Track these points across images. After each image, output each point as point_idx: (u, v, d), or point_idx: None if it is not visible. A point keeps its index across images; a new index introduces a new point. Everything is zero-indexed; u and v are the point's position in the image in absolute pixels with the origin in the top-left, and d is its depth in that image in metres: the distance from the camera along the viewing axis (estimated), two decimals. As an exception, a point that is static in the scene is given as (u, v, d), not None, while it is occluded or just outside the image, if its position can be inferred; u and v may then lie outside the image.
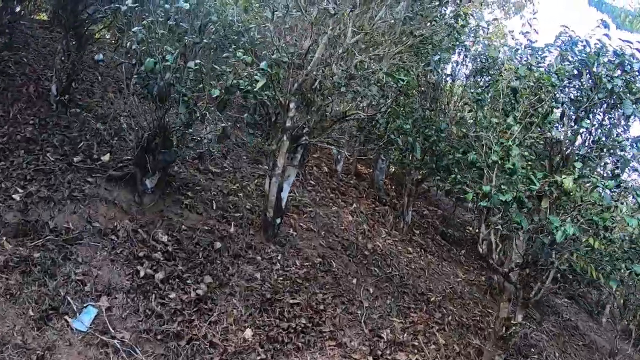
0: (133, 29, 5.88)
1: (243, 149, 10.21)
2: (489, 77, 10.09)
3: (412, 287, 8.83)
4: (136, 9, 6.23)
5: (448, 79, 11.28)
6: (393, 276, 8.77)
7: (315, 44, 7.19)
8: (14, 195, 6.08)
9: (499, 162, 6.21)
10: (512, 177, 5.67)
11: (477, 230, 13.61)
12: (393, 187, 13.41)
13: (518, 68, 6.92)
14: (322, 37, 7.14)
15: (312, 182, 10.62)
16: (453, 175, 9.45)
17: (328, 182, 11.19)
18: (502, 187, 6.03)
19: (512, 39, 11.23)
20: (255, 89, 6.07)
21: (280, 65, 6.37)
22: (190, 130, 6.61)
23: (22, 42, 9.87)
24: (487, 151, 6.66)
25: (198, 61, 5.99)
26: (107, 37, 12.30)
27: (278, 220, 7.63)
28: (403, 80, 6.63)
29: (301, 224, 8.64)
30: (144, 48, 6.02)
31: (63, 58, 8.12)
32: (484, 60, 10.29)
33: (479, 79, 10.29)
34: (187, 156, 7.11)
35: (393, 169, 14.17)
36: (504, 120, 6.57)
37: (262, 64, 6.10)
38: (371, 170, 13.22)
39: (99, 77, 10.07)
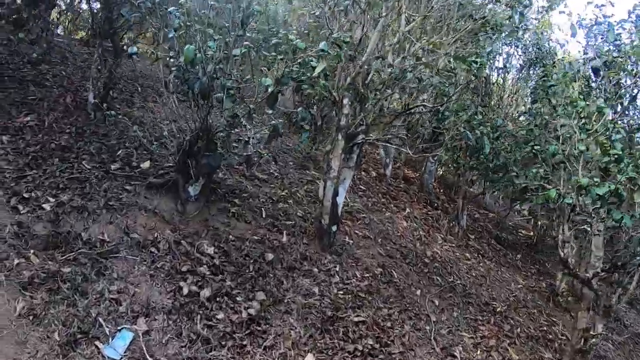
0: (169, 9, 4.85)
1: (289, 154, 9.19)
2: (543, 68, 8.96)
3: (475, 296, 7.72)
4: None
5: (496, 72, 10.09)
6: (456, 285, 7.68)
7: (367, 33, 6.14)
8: (44, 205, 5.16)
9: (586, 151, 5.08)
10: (620, 164, 4.47)
11: (532, 233, 12.46)
12: (442, 190, 12.22)
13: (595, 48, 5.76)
14: (374, 25, 6.10)
15: (362, 187, 9.54)
16: (514, 174, 8.35)
17: (378, 186, 10.09)
18: (595, 179, 4.87)
19: (559, 28, 10.03)
20: (313, 75, 4.99)
21: (342, 48, 5.20)
22: (237, 130, 5.59)
23: (60, 57, 9.16)
24: (566, 141, 5.55)
25: (244, 49, 4.92)
26: (144, 46, 11.64)
27: (334, 228, 6.58)
28: (476, 63, 5.45)
29: (356, 231, 7.57)
30: (182, 32, 5.01)
31: (100, 67, 7.29)
32: (537, 50, 9.12)
33: (531, 71, 9.15)
34: (233, 160, 6.07)
35: (441, 172, 13.00)
36: (586, 105, 5.41)
37: (322, 44, 4.99)
38: (418, 174, 12.10)
39: (139, 88, 9.25)
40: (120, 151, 6.49)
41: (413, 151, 6.67)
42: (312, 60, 5.07)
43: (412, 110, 6.62)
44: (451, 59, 5.76)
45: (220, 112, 5.65)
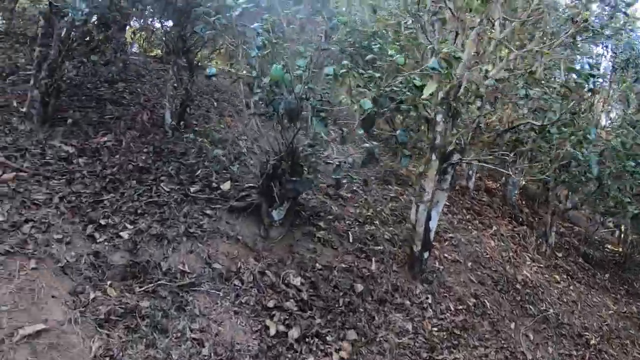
0: (252, 26, 4.22)
1: (369, 168, 8.49)
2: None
3: (568, 326, 6.92)
4: (253, 9, 4.63)
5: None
6: (548, 314, 6.82)
7: (458, 41, 5.40)
8: (121, 233, 4.69)
9: None
10: None
11: (619, 249, 11.31)
12: (524, 202, 11.23)
13: None
14: (465, 33, 5.36)
15: (446, 202, 8.74)
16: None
17: (461, 201, 9.28)
18: None
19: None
20: (423, 97, 4.29)
21: (453, 63, 4.43)
22: (326, 153, 4.96)
23: (136, 74, 8.86)
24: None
25: (343, 68, 4.24)
26: (217, 62, 11.30)
27: (426, 255, 5.89)
28: (593, 77, 4.60)
29: (446, 255, 6.83)
30: (266, 53, 4.41)
31: (175, 84, 6.87)
32: (630, 51, 8.10)
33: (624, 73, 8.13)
34: (321, 184, 5.46)
35: (523, 182, 12.00)
36: None
37: (432, 61, 4.21)
38: (499, 185, 11.17)
39: (215, 103, 8.83)
40: (199, 171, 6.01)
41: (513, 171, 5.85)
42: (414, 79, 4.36)
43: (517, 128, 5.80)
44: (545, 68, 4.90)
45: (306, 133, 5.05)
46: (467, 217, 8.62)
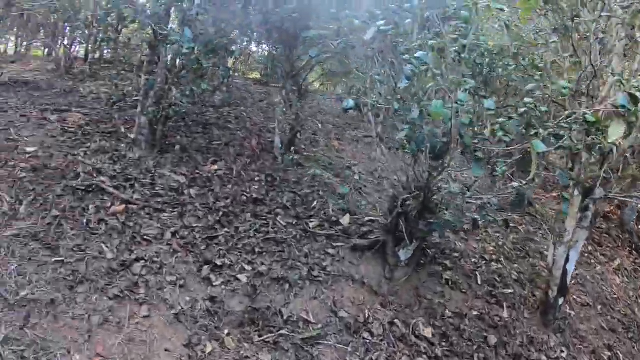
0: (415, 55, 3.37)
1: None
2: None
3: None
4: (390, 32, 3.86)
5: None
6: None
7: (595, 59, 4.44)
8: (239, 276, 4.09)
9: None
10: None
11: None
12: (640, 226, 9.80)
13: None
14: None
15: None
16: None
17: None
18: None
19: None
20: (609, 141, 3.41)
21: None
22: (469, 193, 4.17)
23: (239, 98, 8.45)
24: None
25: (526, 106, 3.41)
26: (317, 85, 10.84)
27: (560, 301, 4.96)
28: None
29: (574, 297, 5.82)
30: (414, 87, 3.61)
31: (284, 109, 6.32)
32: None
33: None
34: (459, 224, 4.66)
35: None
36: None
37: (620, 98, 3.17)
38: (612, 207, 9.77)
39: (319, 125, 8.22)
40: (315, 202, 5.37)
41: None
42: (586, 114, 3.46)
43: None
44: None
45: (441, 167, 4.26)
46: (589, 248, 7.45)
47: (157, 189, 4.89)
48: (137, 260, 3.99)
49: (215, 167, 5.49)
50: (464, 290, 5.02)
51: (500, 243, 6.31)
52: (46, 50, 10.47)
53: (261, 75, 10.81)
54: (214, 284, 3.97)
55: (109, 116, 6.34)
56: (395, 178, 4.68)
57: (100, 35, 7.78)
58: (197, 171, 5.34)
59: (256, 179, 5.51)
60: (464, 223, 4.80)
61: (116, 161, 5.25)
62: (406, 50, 3.47)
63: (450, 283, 5.00)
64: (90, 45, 8.90)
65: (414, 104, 3.49)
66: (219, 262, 4.14)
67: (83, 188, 4.62)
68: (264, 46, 10.53)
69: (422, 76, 3.37)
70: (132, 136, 5.67)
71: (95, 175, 4.87)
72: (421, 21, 3.65)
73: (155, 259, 4.03)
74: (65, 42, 8.87)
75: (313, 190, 5.59)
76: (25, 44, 10.70)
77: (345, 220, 5.12)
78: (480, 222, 4.67)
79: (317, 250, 4.62)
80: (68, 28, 8.58)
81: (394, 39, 3.69)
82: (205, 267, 4.07)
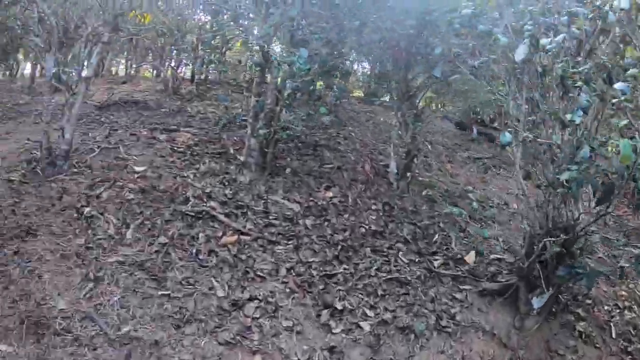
0: (615, 85, 2.72)
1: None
2: None
3: None
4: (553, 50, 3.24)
5: None
6: None
7: None
8: (361, 323, 3.62)
9: None
10: None
11: None
12: None
13: None
14: None
15: None
16: None
17: None
18: None
19: None
20: None
21: None
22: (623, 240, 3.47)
23: (346, 118, 8.02)
24: None
25: None
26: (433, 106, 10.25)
27: None
28: None
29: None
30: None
31: (400, 131, 5.83)
32: None
33: None
34: (605, 271, 3.95)
35: None
36: None
37: None
38: None
39: (429, 146, 7.64)
40: (436, 236, 4.82)
41: None
42: None
43: None
44: None
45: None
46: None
47: (270, 217, 4.55)
48: (250, 299, 3.65)
49: (330, 193, 5.09)
50: (597, 345, 4.25)
51: (630, 286, 5.42)
52: (154, 71, 10.69)
53: (365, 94, 10.36)
54: (334, 331, 3.54)
55: (218, 136, 6.15)
56: (531, 212, 4.02)
57: (206, 57, 7.73)
58: (311, 198, 4.97)
59: (373, 207, 5.06)
60: (614, 272, 4.06)
61: (226, 185, 5.00)
62: (571, 73, 2.87)
63: (583, 336, 4.25)
64: (196, 67, 8.93)
65: (583, 140, 2.87)
66: (339, 306, 3.71)
67: (193, 214, 4.38)
68: (364, 63, 10.30)
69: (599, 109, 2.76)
70: (242, 158, 5.42)
71: (205, 200, 4.63)
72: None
73: (270, 299, 3.67)
74: (172, 64, 8.96)
75: (433, 222, 5.05)
76: (134, 65, 11.03)
77: (471, 258, 4.54)
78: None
79: (443, 294, 4.08)
80: (175, 51, 8.66)
81: (554, 59, 3.09)
82: (325, 311, 3.65)
